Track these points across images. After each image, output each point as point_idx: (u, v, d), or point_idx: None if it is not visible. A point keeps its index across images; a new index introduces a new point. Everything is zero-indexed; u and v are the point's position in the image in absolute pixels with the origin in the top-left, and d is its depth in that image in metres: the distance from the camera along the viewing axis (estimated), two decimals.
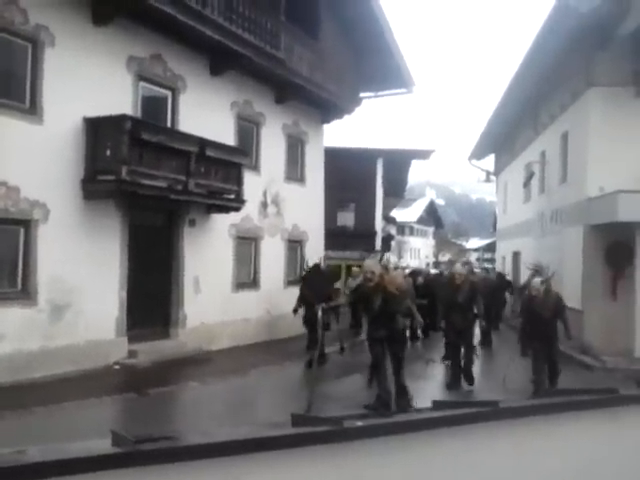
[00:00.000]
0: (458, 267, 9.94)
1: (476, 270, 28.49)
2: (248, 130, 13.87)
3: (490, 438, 1.87)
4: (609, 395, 2.01)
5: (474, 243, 74.51)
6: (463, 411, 1.93)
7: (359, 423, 1.84)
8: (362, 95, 17.62)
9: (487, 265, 36.79)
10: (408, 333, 9.88)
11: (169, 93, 11.57)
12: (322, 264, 14.17)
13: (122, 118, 9.45)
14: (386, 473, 1.79)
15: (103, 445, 1.76)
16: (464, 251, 72.11)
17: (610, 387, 2.07)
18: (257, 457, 1.70)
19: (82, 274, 9.45)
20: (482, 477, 1.81)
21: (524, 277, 15.36)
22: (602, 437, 1.90)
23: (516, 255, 20.38)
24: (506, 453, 1.86)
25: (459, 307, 9.07)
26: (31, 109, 8.97)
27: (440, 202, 75.28)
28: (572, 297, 12.62)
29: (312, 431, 1.78)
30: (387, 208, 32.05)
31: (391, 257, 23.74)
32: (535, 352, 8.55)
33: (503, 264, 23.13)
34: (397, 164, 26.26)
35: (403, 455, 1.81)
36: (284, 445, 1.74)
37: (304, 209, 15.64)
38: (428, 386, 9.27)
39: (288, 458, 1.71)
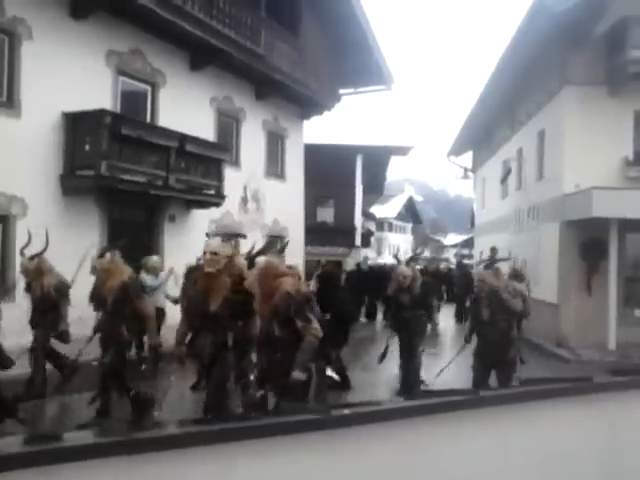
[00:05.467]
0: (403, 268, 8.31)
1: (452, 266, 28.70)
2: (228, 126, 13.85)
3: (472, 425, 1.94)
4: (584, 383, 2.10)
5: (452, 239, 75.07)
6: (445, 399, 2.00)
7: (346, 411, 1.90)
8: (342, 91, 17.70)
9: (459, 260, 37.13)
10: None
11: (149, 88, 11.51)
12: None
13: (101, 113, 9.39)
14: (373, 459, 1.85)
15: (89, 435, 1.80)
16: (442, 247, 72.69)
17: (585, 376, 2.16)
18: (248, 444, 1.75)
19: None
20: (465, 463, 1.89)
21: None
22: (578, 422, 1.99)
23: (493, 250, 20.63)
24: (488, 439, 1.93)
25: (406, 309, 8.10)
26: (8, 103, 8.87)
27: (418, 198, 75.65)
28: (548, 291, 12.85)
29: (301, 419, 1.83)
30: (366, 204, 32.20)
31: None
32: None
33: (481, 259, 23.40)
34: (376, 160, 26.39)
35: (389, 442, 1.87)
36: (275, 433, 1.79)
37: (284, 205, 15.67)
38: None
39: (278, 445, 1.76)
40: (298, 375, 4.23)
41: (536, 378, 2.08)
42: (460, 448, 1.92)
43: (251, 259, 4.80)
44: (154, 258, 9.20)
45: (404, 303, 8.15)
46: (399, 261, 9.40)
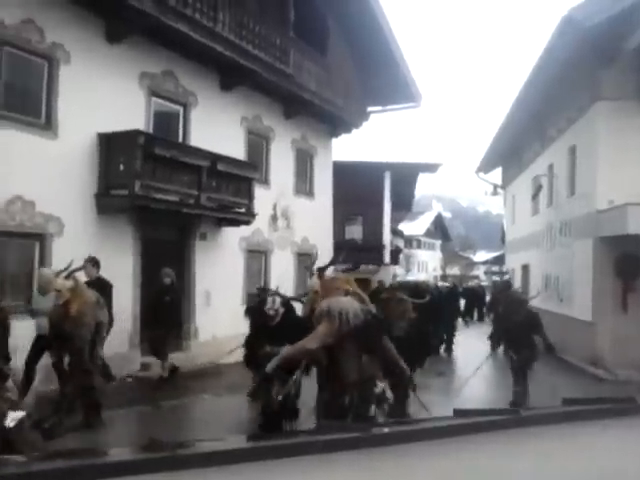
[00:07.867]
0: (314, 281, 6.77)
1: (484, 283, 28.27)
2: (258, 145, 14.01)
3: (512, 446, 1.91)
4: (627, 404, 2.06)
5: (482, 256, 74.23)
6: (485, 419, 1.98)
7: (386, 430, 1.90)
8: (370, 109, 17.77)
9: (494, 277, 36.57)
10: None
11: (181, 108, 11.73)
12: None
13: (135, 133, 9.59)
14: (412, 479, 1.84)
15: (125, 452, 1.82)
16: (472, 264, 71.92)
17: (628, 396, 2.11)
18: (287, 462, 1.75)
19: None
20: None
21: (535, 290, 15.31)
22: (620, 445, 1.95)
23: (525, 268, 20.36)
24: (527, 460, 1.91)
25: None
26: (46, 124, 9.12)
27: (447, 215, 75.28)
28: (583, 309, 12.62)
29: (341, 437, 1.83)
30: (395, 221, 32.13)
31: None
32: None
33: (513, 276, 23.11)
34: (404, 177, 26.36)
35: (428, 461, 1.86)
36: (314, 451, 1.79)
37: (313, 222, 15.73)
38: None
39: (318, 464, 1.76)
40: None
41: (578, 398, 2.05)
42: (500, 468, 1.90)
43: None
44: (43, 271, 7.60)
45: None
46: (312, 273, 7.76)
